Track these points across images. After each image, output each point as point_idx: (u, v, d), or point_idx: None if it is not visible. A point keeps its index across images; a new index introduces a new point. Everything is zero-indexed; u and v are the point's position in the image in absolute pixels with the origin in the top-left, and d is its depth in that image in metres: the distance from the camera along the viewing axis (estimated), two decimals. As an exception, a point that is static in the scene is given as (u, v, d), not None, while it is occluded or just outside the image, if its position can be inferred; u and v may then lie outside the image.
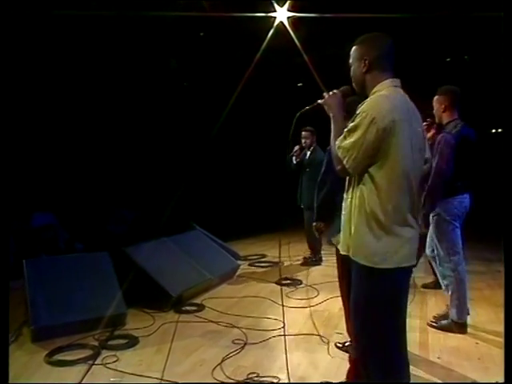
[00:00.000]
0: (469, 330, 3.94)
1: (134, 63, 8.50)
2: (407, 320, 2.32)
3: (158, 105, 9.10)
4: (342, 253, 2.31)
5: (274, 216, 8.80)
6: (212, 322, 4.14)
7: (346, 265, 2.53)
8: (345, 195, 2.31)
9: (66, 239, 6.70)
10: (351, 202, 2.23)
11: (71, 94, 8.20)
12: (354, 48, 2.32)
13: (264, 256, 6.63)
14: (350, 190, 2.25)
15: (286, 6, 6.33)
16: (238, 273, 5.72)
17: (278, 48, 7.26)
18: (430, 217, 3.84)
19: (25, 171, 7.55)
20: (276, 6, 6.49)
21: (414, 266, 2.25)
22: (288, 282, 5.33)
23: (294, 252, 6.54)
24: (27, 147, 7.77)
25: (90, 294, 3.96)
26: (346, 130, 2.19)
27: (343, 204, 2.32)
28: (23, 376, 3.14)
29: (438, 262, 3.98)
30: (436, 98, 3.91)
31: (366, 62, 2.25)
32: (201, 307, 4.51)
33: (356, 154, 2.13)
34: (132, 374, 3.12)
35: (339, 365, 3.23)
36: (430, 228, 3.93)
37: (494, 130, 11.50)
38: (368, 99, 2.21)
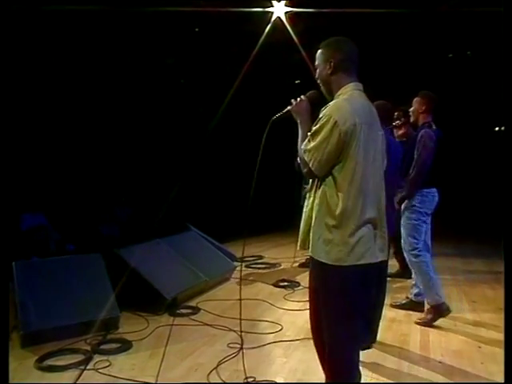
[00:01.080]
0: (471, 332, 4.01)
1: (130, 60, 8.49)
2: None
3: (153, 102, 9.08)
4: (298, 248, 2.45)
5: (271, 216, 8.82)
6: (207, 325, 4.14)
7: None
8: (307, 195, 2.43)
9: (57, 240, 6.68)
10: (313, 201, 2.35)
11: (63, 91, 8.18)
12: (319, 51, 2.44)
13: (261, 257, 6.64)
14: (313, 189, 2.37)
15: (283, 1, 6.33)
16: (234, 274, 5.71)
17: (276, 44, 7.26)
18: (402, 206, 4.21)
19: (13, 170, 7.52)
20: (273, 1, 6.49)
21: (379, 263, 2.34)
22: (286, 284, 5.34)
23: (291, 253, 6.54)
24: (15, 145, 7.74)
25: (82, 296, 3.95)
26: (309, 133, 2.32)
27: (305, 202, 2.43)
28: (13, 382, 3.10)
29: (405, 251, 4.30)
30: (417, 99, 4.30)
31: (332, 64, 2.37)
32: (196, 310, 4.51)
33: (320, 157, 2.25)
34: (125, 379, 3.11)
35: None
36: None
37: (497, 128, 11.51)
38: (331, 103, 2.33)
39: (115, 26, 7.59)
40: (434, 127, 4.23)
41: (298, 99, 2.51)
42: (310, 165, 2.28)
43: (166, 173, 8.23)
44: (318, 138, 2.26)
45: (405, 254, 4.29)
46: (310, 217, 2.35)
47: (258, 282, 5.53)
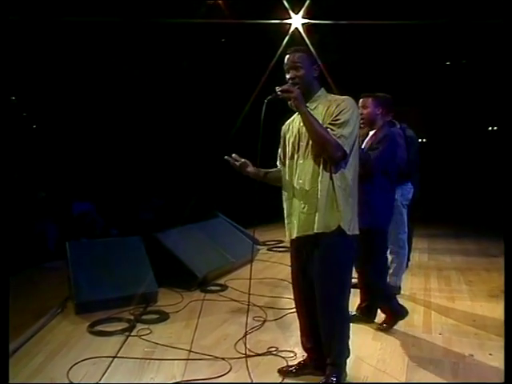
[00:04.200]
0: (467, 308, 3.99)
1: (157, 63, 8.51)
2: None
3: (184, 99, 9.08)
4: (323, 231, 2.41)
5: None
6: (234, 300, 4.16)
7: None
8: (320, 178, 2.42)
9: (102, 225, 6.76)
10: (332, 182, 2.39)
11: (104, 94, 8.26)
12: (303, 54, 2.49)
13: (281, 241, 6.60)
14: (323, 171, 2.40)
15: (301, 12, 6.26)
16: (257, 257, 5.70)
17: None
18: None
19: (67, 166, 7.65)
20: (291, 12, 6.42)
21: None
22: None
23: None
24: (69, 145, 7.87)
25: (125, 273, 4.02)
26: (339, 121, 2.36)
27: (318, 185, 2.41)
28: (69, 343, 3.22)
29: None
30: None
31: (317, 68, 2.52)
32: (224, 287, 4.54)
33: (352, 143, 2.38)
34: (164, 345, 3.17)
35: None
36: None
37: (490, 128, 11.34)
38: (340, 98, 2.46)
39: (142, 35, 7.61)
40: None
41: (288, 86, 2.42)
42: (346, 148, 2.36)
43: (196, 166, 8.26)
44: (349, 127, 2.36)
45: (389, 243, 4.11)
46: (332, 199, 2.40)
47: (279, 263, 5.51)
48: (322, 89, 2.55)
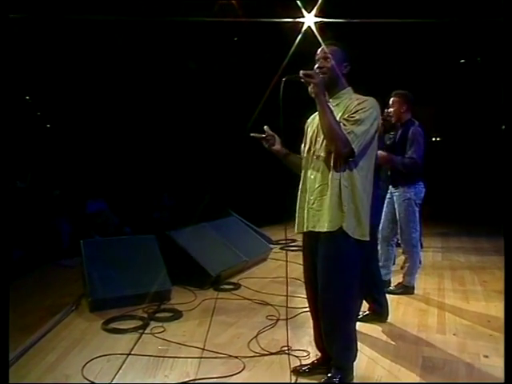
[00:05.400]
0: (481, 308, 3.94)
1: (172, 62, 8.53)
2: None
3: (197, 99, 9.10)
4: (327, 230, 2.38)
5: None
6: (247, 299, 4.17)
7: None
8: (330, 176, 2.39)
9: (116, 224, 6.81)
10: (339, 182, 2.36)
11: (119, 93, 8.31)
12: (337, 49, 2.47)
13: (294, 241, 6.59)
14: (331, 171, 2.38)
15: (314, 11, 6.22)
16: (270, 255, 5.70)
17: (306, 53, 7.17)
18: (401, 201, 4.12)
19: (81, 164, 7.72)
20: (304, 11, 6.39)
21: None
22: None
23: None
24: (83, 144, 7.94)
25: (139, 271, 4.04)
26: (353, 118, 2.32)
27: (328, 183, 2.39)
28: (83, 340, 3.24)
29: (400, 240, 4.27)
30: (396, 99, 4.14)
31: (348, 66, 2.48)
32: (237, 286, 4.55)
33: (363, 142, 2.32)
34: (177, 343, 3.18)
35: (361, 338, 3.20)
36: (388, 210, 4.24)
37: (504, 127, 11.21)
38: (363, 97, 2.41)
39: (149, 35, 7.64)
40: (416, 123, 4.14)
41: (312, 72, 2.35)
42: (354, 146, 2.30)
43: (210, 166, 8.28)
44: (363, 126, 2.32)
45: (402, 242, 4.24)
46: (338, 198, 2.36)
47: (292, 262, 5.48)
48: (349, 88, 2.51)
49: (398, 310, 3.86)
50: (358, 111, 2.34)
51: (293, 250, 6.10)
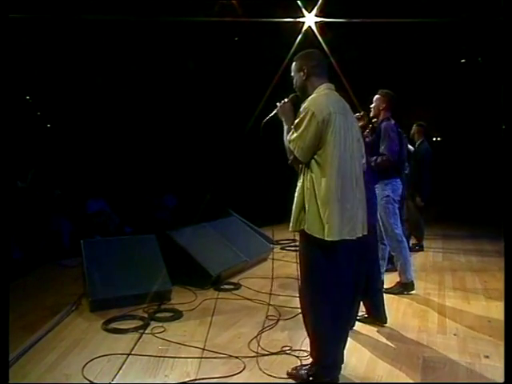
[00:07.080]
0: (483, 309, 3.92)
1: (173, 62, 8.53)
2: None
3: (197, 99, 9.10)
4: (290, 230, 2.50)
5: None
6: (248, 299, 4.17)
7: None
8: (300, 179, 2.50)
9: (116, 223, 6.81)
10: (303, 184, 2.45)
11: (119, 93, 8.31)
12: (293, 63, 2.61)
13: (295, 241, 6.58)
14: (302, 175, 2.48)
15: (314, 11, 6.21)
16: (270, 255, 5.69)
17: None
18: (379, 199, 4.05)
19: (82, 164, 7.73)
20: (304, 11, 6.38)
21: (360, 238, 2.47)
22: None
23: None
24: (84, 144, 7.94)
25: (140, 271, 4.03)
26: (293, 126, 2.45)
27: (298, 186, 2.51)
28: (84, 339, 3.24)
29: (384, 238, 4.23)
30: (378, 97, 4.23)
31: (305, 70, 2.54)
32: (238, 286, 4.55)
33: (303, 144, 2.38)
34: (177, 343, 3.17)
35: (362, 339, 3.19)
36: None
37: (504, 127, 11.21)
38: (309, 98, 2.48)
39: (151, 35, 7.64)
40: (392, 121, 4.20)
41: (282, 102, 2.63)
42: (295, 152, 2.41)
43: (210, 166, 8.28)
44: (300, 129, 2.40)
45: (386, 240, 4.23)
46: (302, 200, 2.44)
47: (292, 262, 5.49)
48: (319, 88, 2.53)
49: (398, 310, 3.86)
50: (296, 118, 2.46)
51: (293, 250, 6.11)
